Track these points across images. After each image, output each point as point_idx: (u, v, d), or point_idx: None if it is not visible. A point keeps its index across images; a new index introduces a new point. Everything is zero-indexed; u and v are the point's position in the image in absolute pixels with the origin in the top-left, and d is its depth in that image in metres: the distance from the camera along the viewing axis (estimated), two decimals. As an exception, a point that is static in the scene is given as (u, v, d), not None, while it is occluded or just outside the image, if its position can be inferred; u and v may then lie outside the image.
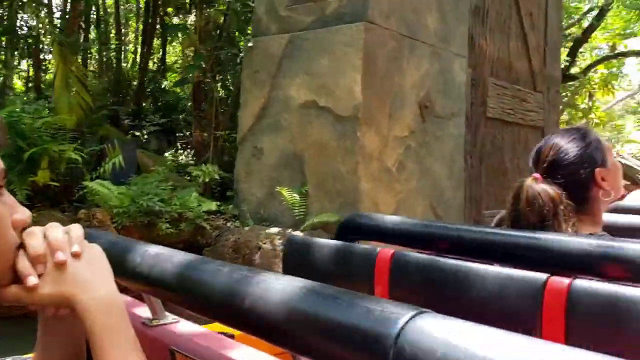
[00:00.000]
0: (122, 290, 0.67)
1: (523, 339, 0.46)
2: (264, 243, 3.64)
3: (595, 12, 11.75)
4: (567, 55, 12.13)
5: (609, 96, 29.07)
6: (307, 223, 3.87)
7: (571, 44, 12.07)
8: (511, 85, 6.14)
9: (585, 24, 12.36)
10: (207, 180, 4.27)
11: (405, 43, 4.19)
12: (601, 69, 15.70)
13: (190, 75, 5.13)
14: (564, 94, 17.46)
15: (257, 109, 4.28)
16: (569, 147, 1.32)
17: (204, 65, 5.01)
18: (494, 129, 5.90)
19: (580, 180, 1.30)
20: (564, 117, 19.38)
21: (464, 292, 1.11)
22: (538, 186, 1.28)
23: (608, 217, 1.61)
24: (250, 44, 4.27)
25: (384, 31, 3.96)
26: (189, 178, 4.52)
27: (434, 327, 0.50)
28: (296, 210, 3.96)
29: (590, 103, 18.89)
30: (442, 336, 0.48)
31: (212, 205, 3.98)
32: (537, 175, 1.31)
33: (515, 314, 1.04)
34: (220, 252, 3.73)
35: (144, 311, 1.04)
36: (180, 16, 7.49)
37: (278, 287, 0.66)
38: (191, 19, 6.85)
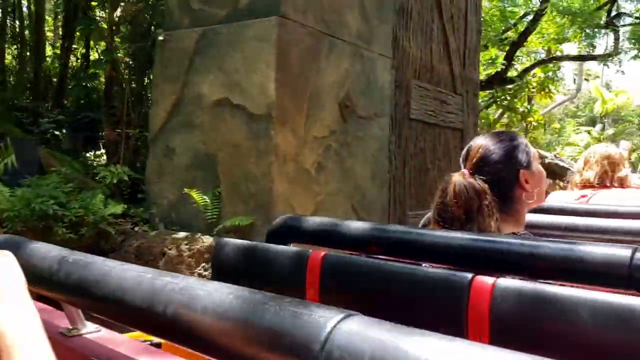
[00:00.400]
0: (39, 298, 0.64)
1: (447, 341, 0.48)
2: (169, 249, 3.44)
3: (531, 17, 12.07)
4: (504, 59, 12.37)
5: (548, 100, 30.08)
6: (218, 227, 3.69)
7: (508, 47, 12.32)
8: (433, 87, 6.14)
9: (523, 28, 12.68)
10: (115, 181, 4.02)
11: (324, 41, 4.07)
12: (539, 72, 16.12)
13: (98, 70, 4.87)
14: (503, 97, 17.88)
15: (169, 106, 4.06)
16: (497, 147, 1.40)
17: (115, 60, 4.76)
18: (417, 131, 5.88)
19: (504, 178, 1.38)
20: (504, 120, 19.85)
21: (393, 293, 1.13)
22: (465, 180, 1.35)
23: (529, 217, 1.64)
24: (161, 38, 4.05)
25: (300, 27, 3.82)
26: (97, 179, 4.26)
27: (362, 330, 0.50)
28: (208, 214, 3.77)
29: (528, 106, 19.41)
30: (371, 339, 0.49)
31: (118, 209, 3.73)
32: (465, 171, 1.38)
33: (442, 313, 1.05)
34: (122, 259, 3.49)
35: (62, 321, 1.00)
36: (107, 10, 7.16)
37: (203, 293, 0.65)
38: (118, 12, 6.54)
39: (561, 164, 19.41)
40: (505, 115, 19.63)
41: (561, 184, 18.43)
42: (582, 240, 1.60)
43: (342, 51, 4.26)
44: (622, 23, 13.78)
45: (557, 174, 19.15)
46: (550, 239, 1.14)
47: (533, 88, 16.50)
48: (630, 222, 1.84)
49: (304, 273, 1.26)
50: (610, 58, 13.34)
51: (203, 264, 3.49)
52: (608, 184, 2.80)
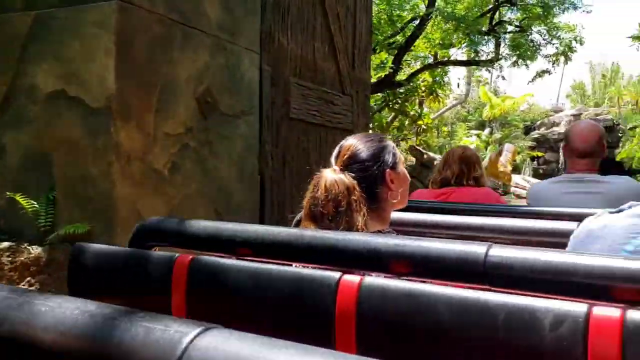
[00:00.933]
0: None
1: (308, 353, 0.49)
2: (-14, 262, 2.98)
3: (417, 22, 12.39)
4: (392, 63, 12.60)
5: (440, 104, 31.27)
6: (51, 235, 3.25)
7: (396, 51, 12.57)
8: (317, 86, 5.96)
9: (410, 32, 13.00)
10: None
11: (177, 30, 3.73)
12: (427, 77, 16.61)
13: None
14: (395, 100, 18.27)
15: (-2, 99, 3.56)
16: (366, 147, 1.49)
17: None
18: (299, 131, 5.67)
19: (372, 176, 1.46)
20: (396, 123, 20.33)
21: (263, 296, 1.12)
22: (336, 175, 1.42)
23: (393, 214, 1.69)
24: (-11, 22, 3.55)
25: (147, 14, 3.46)
26: None
27: (220, 345, 0.50)
28: (41, 221, 3.32)
29: (419, 110, 19.99)
30: (229, 354, 0.48)
31: None
32: (336, 167, 1.46)
33: (312, 313, 1.06)
34: None
35: None
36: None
37: (45, 309, 0.61)
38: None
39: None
40: (398, 119, 20.14)
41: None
42: (442, 236, 1.74)
43: (200, 43, 3.95)
44: (503, 31, 14.53)
45: (447, 175, 19.93)
46: (412, 236, 1.17)
47: (423, 92, 17.00)
48: (485, 218, 1.94)
49: (169, 279, 1.21)
50: (492, 64, 13.99)
51: (29, 279, 3.06)
52: (464, 183, 2.93)
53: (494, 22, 14.06)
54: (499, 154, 23.06)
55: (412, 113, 19.40)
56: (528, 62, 17.23)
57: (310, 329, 1.05)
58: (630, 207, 1.21)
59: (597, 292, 0.89)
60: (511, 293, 0.93)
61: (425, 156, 20.70)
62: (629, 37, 16.02)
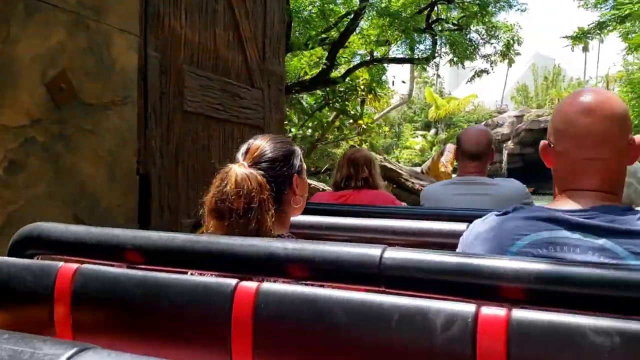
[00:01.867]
0: None
1: None
2: None
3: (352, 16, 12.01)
4: (326, 59, 12.16)
5: (382, 103, 31.15)
6: None
7: (330, 47, 12.15)
8: (219, 77, 5.40)
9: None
10: None
11: (17, 1, 3.12)
12: (366, 75, 16.27)
13: None
14: (335, 99, 17.88)
15: None
16: (277, 147, 1.49)
17: None
18: (197, 125, 5.10)
19: (281, 177, 1.45)
20: (336, 122, 19.93)
21: (156, 306, 1.08)
22: (247, 170, 1.38)
23: (292, 218, 1.67)
24: None
25: (-33, -22, 2.85)
26: None
27: None
28: None
29: (360, 109, 19.68)
30: None
31: None
32: (245, 162, 1.42)
33: (207, 323, 1.03)
34: None
35: None
36: None
37: None
38: None
39: (389, 166, 20.00)
40: (339, 118, 19.79)
41: (386, 183, 18.93)
42: (340, 238, 1.74)
43: (51, 18, 3.34)
44: (440, 29, 14.34)
45: (386, 176, 19.68)
46: (310, 240, 1.16)
47: (362, 91, 16.68)
48: (381, 220, 1.94)
49: (52, 291, 1.15)
50: (428, 62, 13.75)
51: None
52: (353, 185, 3.01)
53: (430, 20, 13.82)
54: (441, 154, 23.10)
55: (352, 112, 19.09)
56: (467, 62, 17.21)
57: (205, 338, 1.03)
58: (514, 209, 1.21)
59: (485, 292, 0.94)
60: (405, 295, 0.94)
61: (366, 156, 20.50)
62: (564, 37, 16.09)
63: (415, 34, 12.75)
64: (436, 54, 13.96)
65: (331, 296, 0.96)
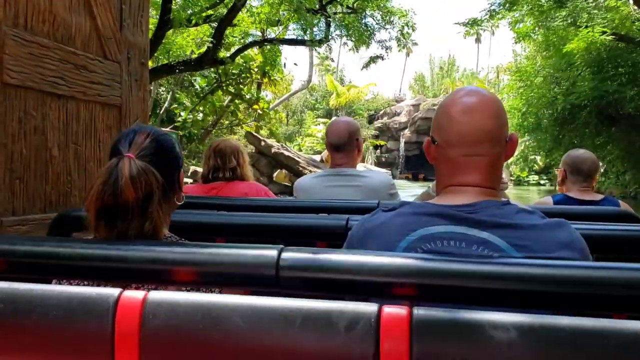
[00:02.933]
0: None
1: None
2: None
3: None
4: (213, 37, 11.33)
5: (280, 87, 30.44)
6: None
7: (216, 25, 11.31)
8: (58, 44, 4.46)
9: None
10: None
11: None
12: (259, 58, 15.54)
13: None
14: (228, 82, 16.99)
15: None
16: (165, 139, 1.34)
17: None
18: (26, 103, 4.13)
19: (169, 170, 1.32)
20: (231, 107, 19.07)
21: (21, 322, 0.95)
22: (142, 163, 1.23)
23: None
24: None
25: None
26: None
27: None
28: None
29: (256, 93, 18.93)
30: None
31: None
32: (132, 155, 1.25)
33: (87, 341, 0.92)
34: None
35: None
36: None
37: None
38: None
39: (287, 153, 19.50)
40: (234, 103, 18.95)
41: (284, 172, 18.37)
42: (224, 235, 1.71)
43: None
44: (334, 11, 13.91)
45: (283, 164, 19.14)
46: (199, 243, 1.12)
47: (256, 74, 15.96)
48: (265, 216, 1.84)
49: None
50: (321, 44, 13.28)
51: None
52: (220, 176, 2.86)
53: (324, 1, 13.33)
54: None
55: (248, 96, 18.33)
56: (364, 47, 16.97)
57: (85, 357, 0.93)
58: (402, 205, 1.24)
59: (385, 290, 0.98)
60: (306, 296, 0.92)
61: (262, 143, 19.79)
62: (457, 23, 16.26)
63: (309, 15, 12.21)
64: (330, 37, 13.54)
65: (227, 303, 0.90)
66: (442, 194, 1.26)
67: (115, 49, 5.31)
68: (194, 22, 10.54)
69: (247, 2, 11.87)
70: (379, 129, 45.00)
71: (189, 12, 10.38)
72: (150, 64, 13.59)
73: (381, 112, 47.41)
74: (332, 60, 15.79)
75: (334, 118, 3.91)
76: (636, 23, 13.59)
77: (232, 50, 12.92)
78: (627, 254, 1.44)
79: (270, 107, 29.08)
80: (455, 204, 1.18)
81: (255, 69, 15.44)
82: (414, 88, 56.15)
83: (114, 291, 0.95)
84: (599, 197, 2.72)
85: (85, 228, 1.27)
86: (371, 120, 46.62)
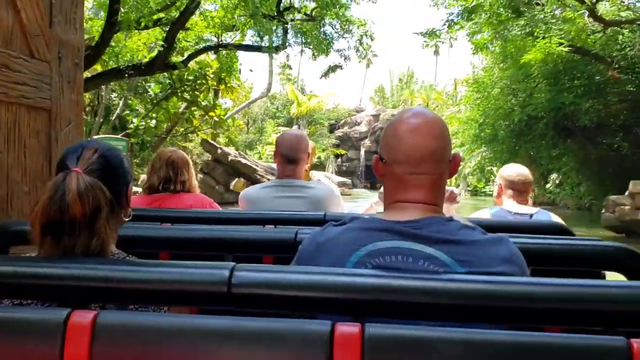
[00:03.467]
0: None
1: None
2: None
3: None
4: (164, 41, 10.85)
5: (244, 97, 30.00)
6: None
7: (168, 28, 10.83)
8: (-27, 38, 3.98)
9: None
10: None
11: None
12: (215, 64, 15.10)
13: None
14: (182, 88, 16.47)
15: None
16: (114, 153, 1.32)
17: None
18: None
19: (118, 186, 1.30)
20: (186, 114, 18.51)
21: None
22: (89, 178, 1.21)
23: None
24: None
25: None
26: None
27: None
28: None
29: (213, 100, 18.44)
30: None
31: None
32: (80, 170, 1.22)
33: None
34: None
35: None
36: None
37: None
38: None
39: (244, 161, 19.05)
40: (189, 110, 18.41)
41: (242, 180, 17.87)
42: (171, 250, 1.67)
43: None
44: (292, 18, 13.61)
45: (240, 172, 18.65)
46: (150, 260, 1.11)
47: (212, 80, 15.48)
48: (214, 229, 1.76)
49: None
50: (277, 51, 12.94)
51: None
52: (172, 188, 2.78)
53: (281, 7, 13.02)
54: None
55: (204, 103, 17.81)
56: (323, 56, 16.73)
57: None
58: (351, 219, 1.26)
59: (339, 306, 0.99)
60: (259, 314, 0.91)
61: (219, 151, 19.30)
62: (416, 33, 16.19)
63: (265, 21, 11.85)
64: (287, 44, 13.21)
65: (179, 322, 0.89)
66: (389, 210, 1.29)
67: (44, 48, 4.81)
68: (143, 24, 10.05)
69: (201, 5, 11.45)
70: (339, 138, 44.99)
71: (138, 14, 9.88)
72: (98, 67, 12.96)
73: (342, 121, 47.48)
74: (290, 68, 15.48)
75: (286, 131, 3.63)
76: (591, 36, 13.76)
77: (185, 54, 12.44)
78: (560, 266, 1.48)
79: (229, 114, 28.57)
80: (401, 220, 1.21)
81: (211, 75, 14.97)
82: (374, 99, 56.45)
83: (62, 311, 0.92)
84: (534, 210, 2.82)
85: (27, 242, 1.24)
86: (332, 129, 46.58)
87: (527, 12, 10.78)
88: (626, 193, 11.05)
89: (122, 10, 9.92)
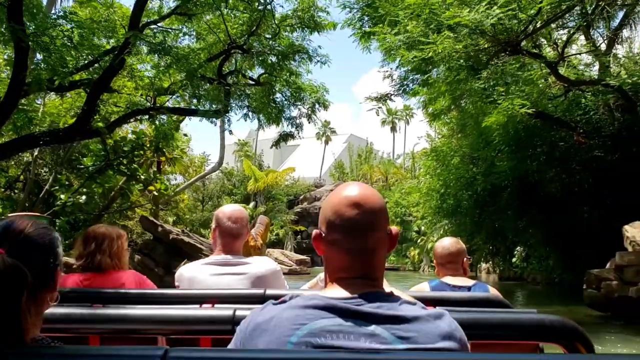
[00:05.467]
0: None
1: None
2: None
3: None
4: (85, 104, 9.51)
5: (194, 172, 28.43)
6: None
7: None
8: None
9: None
10: None
11: None
12: (151, 132, 13.74)
13: None
14: (118, 161, 14.98)
15: None
16: (43, 232, 1.25)
17: None
18: None
19: (46, 269, 1.24)
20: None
21: None
22: (8, 259, 1.14)
23: None
24: None
25: None
26: None
27: None
28: None
29: (153, 174, 16.97)
30: None
31: None
32: (2, 251, 1.17)
33: None
34: None
35: None
36: None
37: None
38: None
39: (187, 240, 17.36)
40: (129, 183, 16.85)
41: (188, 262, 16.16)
42: (99, 331, 1.66)
43: None
44: (235, 81, 12.56)
45: (183, 251, 16.94)
46: (78, 346, 1.12)
47: (148, 149, 14.06)
48: (146, 309, 1.71)
49: None
50: (218, 115, 11.74)
51: None
52: (102, 264, 2.70)
53: (224, 71, 11.95)
54: (252, 226, 21.13)
55: (143, 177, 16.32)
56: (273, 125, 15.68)
57: None
58: (291, 297, 1.24)
59: None
60: None
61: (159, 229, 17.60)
62: (366, 98, 15.36)
63: (203, 83, 10.72)
64: (229, 108, 12.04)
65: None
66: (330, 286, 1.28)
67: None
68: (57, 82, 8.71)
69: (131, 65, 10.23)
70: (298, 214, 43.74)
71: (51, 73, 8.55)
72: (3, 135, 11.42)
73: (301, 197, 46.47)
74: (231, 133, 14.13)
75: (225, 204, 3.42)
76: (553, 100, 13.11)
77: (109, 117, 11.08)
78: (499, 339, 1.47)
79: (178, 190, 26.99)
80: (343, 297, 1.20)
81: (148, 144, 13.57)
82: (334, 175, 56.05)
83: None
84: (471, 282, 2.86)
85: None
86: (291, 205, 45.42)
87: (484, 72, 10.03)
88: (608, 265, 9.88)
89: (31, 67, 8.58)
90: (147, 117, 11.93)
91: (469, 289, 2.80)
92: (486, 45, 9.24)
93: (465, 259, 3.00)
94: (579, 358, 1.05)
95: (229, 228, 2.52)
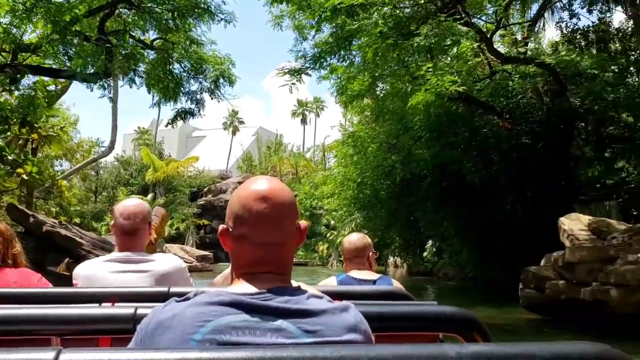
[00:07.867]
0: None
1: None
2: None
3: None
4: None
5: (82, 157, 25.40)
6: None
7: None
8: None
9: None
10: None
11: None
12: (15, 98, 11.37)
13: None
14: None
15: None
16: None
17: None
18: None
19: None
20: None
21: None
22: None
23: None
24: None
25: None
26: None
27: None
28: None
29: (23, 155, 14.35)
30: None
31: None
32: None
33: None
34: None
35: None
36: None
37: None
38: None
39: (64, 232, 14.92)
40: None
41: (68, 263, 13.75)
42: None
43: None
44: (119, 41, 10.51)
45: (60, 246, 14.48)
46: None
47: (14, 123, 11.59)
48: (42, 308, 1.56)
49: None
50: (99, 78, 9.65)
51: None
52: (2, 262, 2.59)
53: (107, 29, 9.88)
54: (147, 219, 18.94)
55: (11, 158, 13.72)
56: (171, 101, 13.68)
57: None
58: (196, 294, 1.21)
59: None
60: None
61: (31, 219, 15.04)
62: (279, 70, 13.72)
63: (78, 40, 8.67)
64: (111, 71, 10.02)
65: None
66: (237, 282, 1.26)
67: None
68: None
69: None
70: (202, 207, 41.35)
71: None
72: None
73: (205, 189, 44.12)
74: (112, 101, 12.02)
75: (123, 201, 2.45)
76: (478, 83, 12.17)
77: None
78: (402, 330, 1.50)
79: (62, 176, 23.97)
80: (249, 292, 1.19)
81: (14, 119, 11.12)
82: (242, 167, 54.04)
83: None
84: (376, 276, 2.93)
85: None
86: (194, 197, 42.90)
87: (426, 25, 8.81)
88: (543, 262, 8.84)
89: None
90: (7, 80, 9.58)
91: (374, 282, 2.89)
92: (422, 1, 7.98)
93: (371, 253, 3.06)
94: (475, 346, 0.97)
95: (121, 225, 2.40)
